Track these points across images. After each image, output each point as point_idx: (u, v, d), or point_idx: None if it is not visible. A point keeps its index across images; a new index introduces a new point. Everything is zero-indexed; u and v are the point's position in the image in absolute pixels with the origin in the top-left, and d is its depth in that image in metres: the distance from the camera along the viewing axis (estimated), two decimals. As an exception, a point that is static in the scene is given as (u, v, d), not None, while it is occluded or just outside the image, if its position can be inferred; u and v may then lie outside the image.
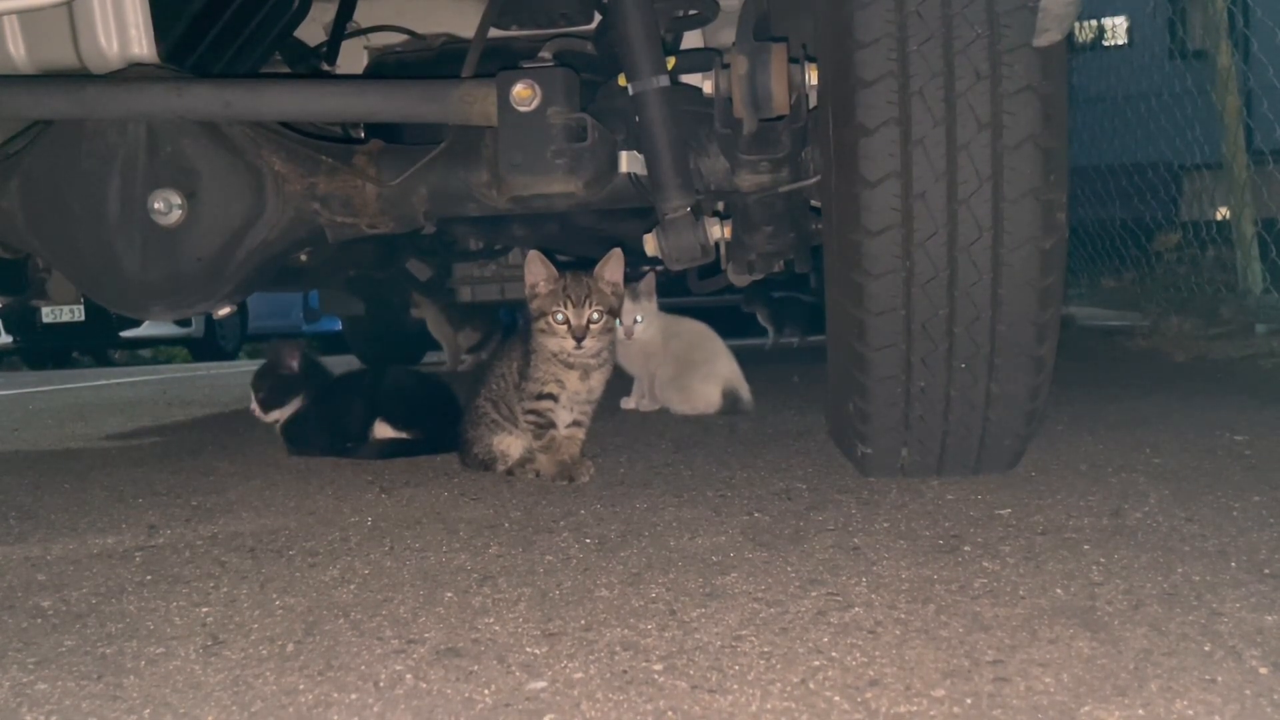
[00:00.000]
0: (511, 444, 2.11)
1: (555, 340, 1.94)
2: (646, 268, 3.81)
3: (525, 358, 2.03)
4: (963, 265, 1.59)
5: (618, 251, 1.97)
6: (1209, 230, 4.91)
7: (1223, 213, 4.90)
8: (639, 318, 2.94)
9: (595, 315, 1.92)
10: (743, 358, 3.09)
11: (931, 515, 1.59)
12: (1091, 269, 6.16)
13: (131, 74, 1.81)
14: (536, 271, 1.95)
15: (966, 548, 1.41)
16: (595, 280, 1.95)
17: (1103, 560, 1.32)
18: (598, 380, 2.02)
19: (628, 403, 3.15)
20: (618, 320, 2.04)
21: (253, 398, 2.49)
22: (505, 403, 2.09)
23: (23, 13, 1.77)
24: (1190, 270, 4.90)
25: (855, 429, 1.81)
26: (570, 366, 1.98)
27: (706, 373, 2.98)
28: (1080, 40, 7.53)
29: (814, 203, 2.10)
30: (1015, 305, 1.60)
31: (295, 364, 2.48)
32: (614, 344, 2.04)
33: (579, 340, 1.92)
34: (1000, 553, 1.38)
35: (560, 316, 1.92)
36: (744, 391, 2.97)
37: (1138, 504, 1.62)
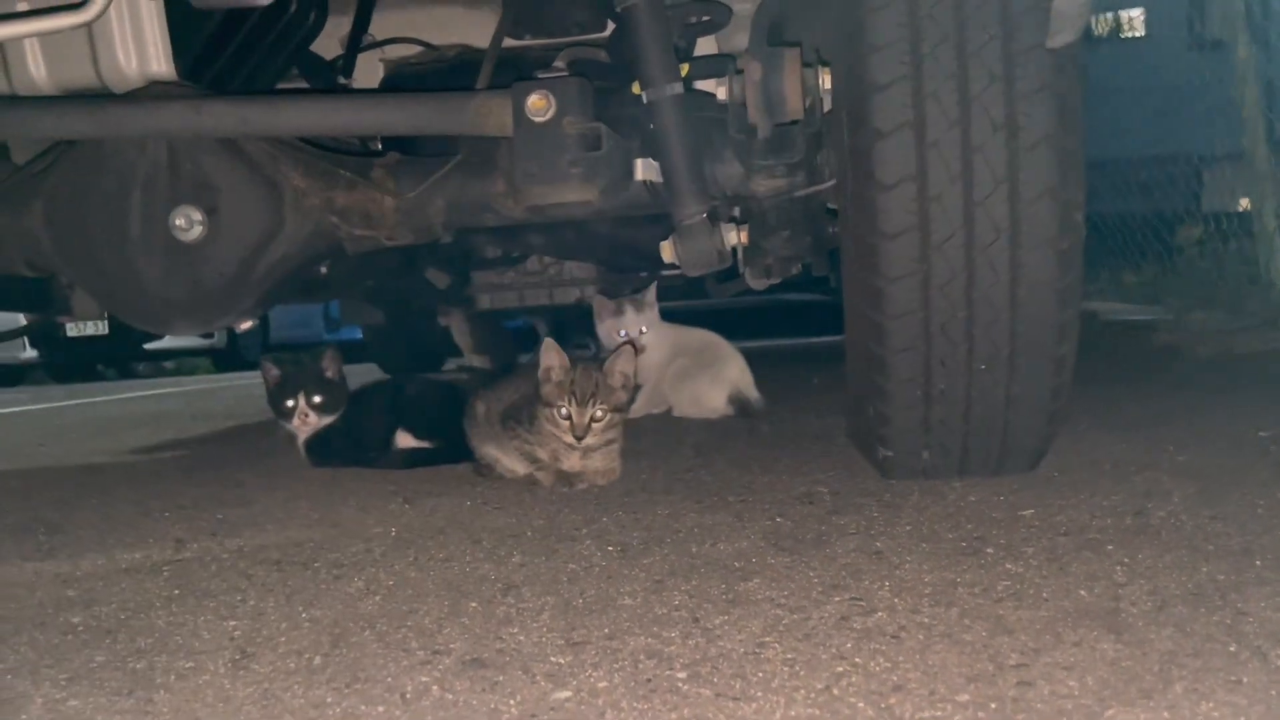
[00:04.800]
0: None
1: (558, 432, 1.98)
2: (644, 274, 3.83)
3: (532, 400, 2.04)
4: (980, 267, 1.59)
5: (628, 348, 2.02)
6: (1231, 223, 4.87)
7: (1245, 204, 4.85)
8: (644, 328, 2.98)
9: (599, 414, 1.96)
10: (762, 358, 3.09)
11: (954, 517, 1.59)
12: (1112, 263, 6.12)
13: (151, 92, 1.83)
14: (550, 359, 1.99)
15: (989, 550, 1.41)
16: (605, 376, 1.98)
17: (1126, 561, 1.32)
18: (599, 459, 2.04)
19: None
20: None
21: (301, 402, 2.43)
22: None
23: (44, 35, 1.79)
24: (1213, 264, 4.86)
25: (876, 432, 1.81)
26: (570, 448, 2.01)
27: (713, 376, 2.99)
28: (1097, 32, 7.49)
29: (830, 205, 2.10)
30: (1034, 306, 1.60)
31: (339, 368, 2.50)
32: (621, 431, 2.06)
33: (579, 438, 1.96)
34: (1023, 554, 1.37)
35: (564, 412, 1.96)
36: (752, 395, 2.97)
37: (1161, 503, 1.62)
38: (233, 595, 1.42)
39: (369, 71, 2.53)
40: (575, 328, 4.82)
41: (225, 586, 1.46)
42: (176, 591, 1.45)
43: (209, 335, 9.57)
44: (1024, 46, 1.52)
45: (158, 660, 1.16)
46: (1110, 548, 1.38)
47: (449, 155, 1.92)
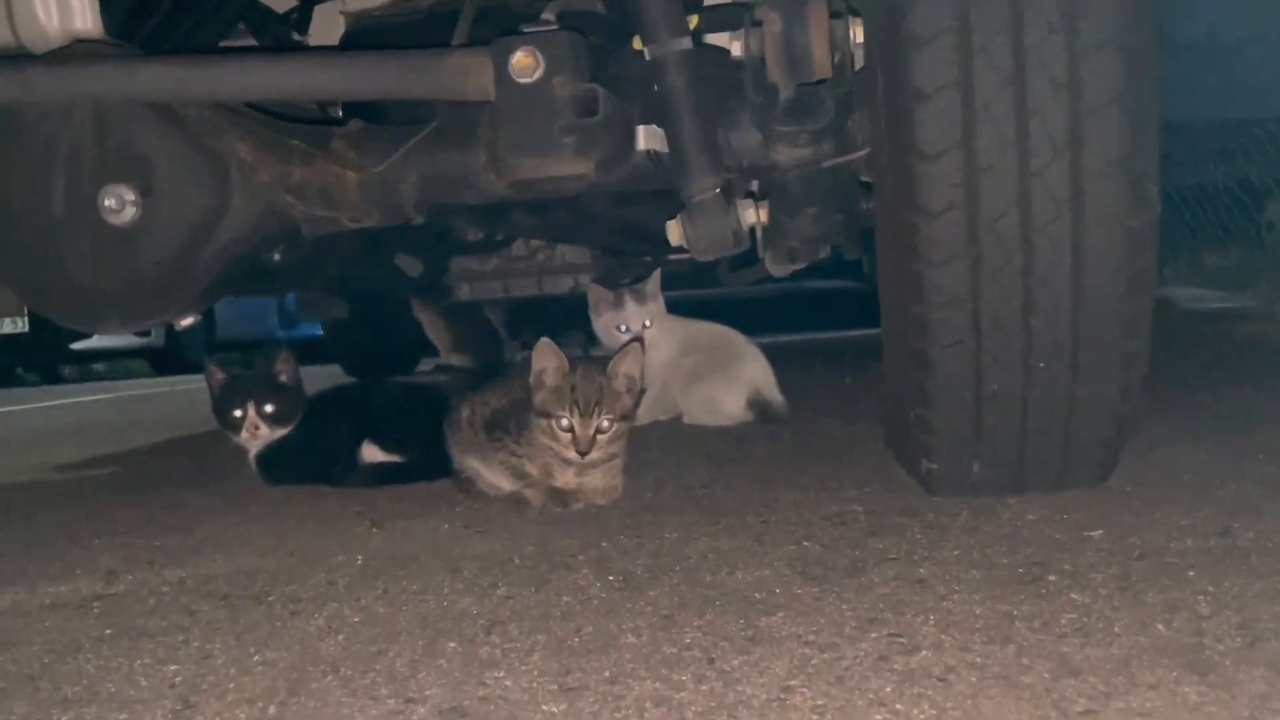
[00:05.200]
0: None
1: (556, 446, 1.96)
2: (648, 259, 3.83)
3: (521, 406, 2.04)
4: (1039, 248, 1.58)
5: (636, 346, 2.00)
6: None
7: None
8: (647, 322, 2.97)
9: (605, 424, 1.95)
10: (785, 355, 3.09)
11: (1009, 540, 1.59)
12: (1192, 243, 6.11)
13: (75, 52, 1.82)
14: (545, 359, 1.97)
15: (1051, 577, 1.40)
16: (610, 380, 1.97)
17: (1211, 589, 1.32)
18: (598, 475, 2.03)
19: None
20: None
21: (251, 412, 2.42)
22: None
23: (-50, -12, 1.79)
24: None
25: (918, 440, 1.80)
26: (567, 464, 2.00)
27: (729, 377, 2.98)
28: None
29: (864, 178, 2.10)
30: (1101, 294, 1.60)
31: (294, 371, 2.49)
32: (625, 443, 2.05)
33: (583, 453, 1.94)
34: (1091, 582, 1.37)
35: (565, 423, 1.94)
36: (774, 397, 2.97)
37: (1251, 521, 1.61)
38: (174, 635, 1.41)
39: (327, 27, 2.52)
40: (544, 320, 4.83)
41: (165, 625, 1.46)
42: (109, 631, 1.45)
43: (145, 333, 9.58)
44: (1088, -9, 1.52)
45: (87, 711, 1.16)
46: (1192, 574, 1.38)
47: (421, 123, 1.91)
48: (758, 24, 1.78)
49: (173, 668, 1.29)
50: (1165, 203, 1.65)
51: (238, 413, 2.43)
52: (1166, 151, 1.66)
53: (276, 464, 2.49)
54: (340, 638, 1.35)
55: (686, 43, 1.77)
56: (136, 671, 1.28)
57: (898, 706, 1.04)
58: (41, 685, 1.26)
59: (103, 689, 1.23)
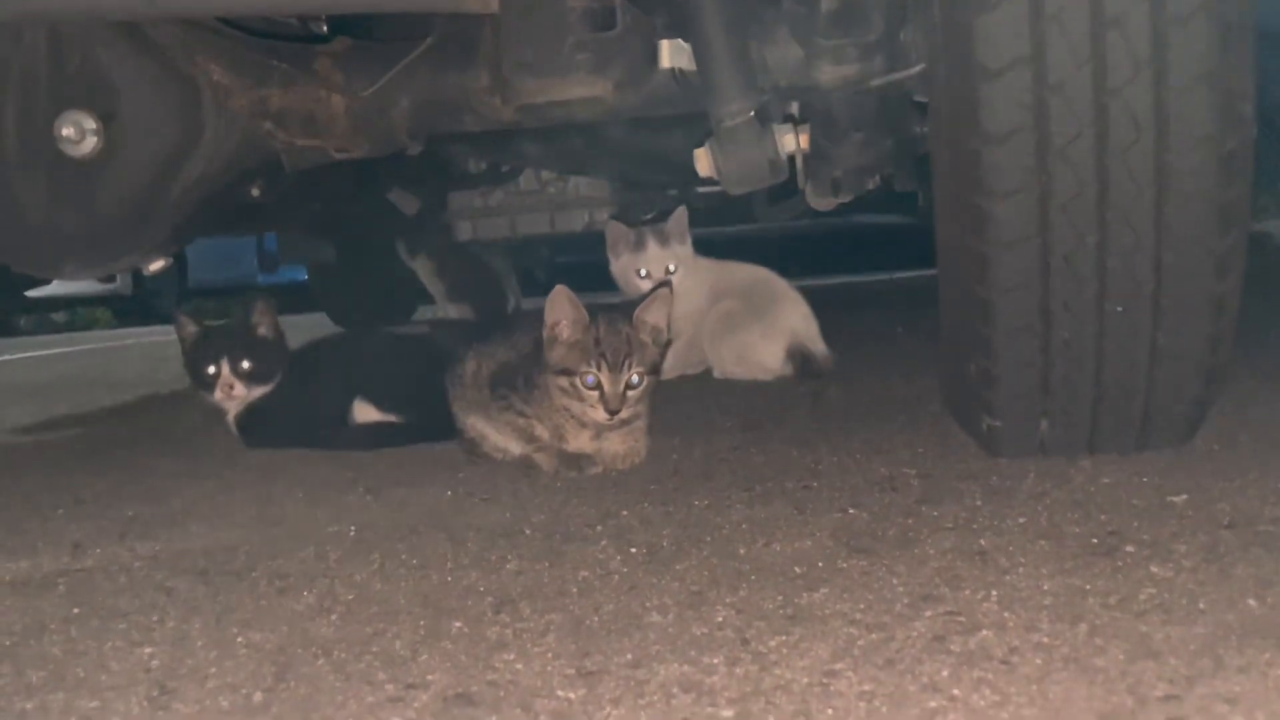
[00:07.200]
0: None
1: (579, 406, 1.96)
2: (673, 193, 3.81)
3: (530, 361, 2.05)
4: (1116, 177, 1.57)
5: (665, 292, 2.00)
6: None
7: None
8: (672, 266, 2.96)
9: (635, 378, 1.95)
10: (830, 301, 3.08)
11: (1082, 506, 1.59)
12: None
13: (25, -36, 1.82)
14: (561, 310, 1.96)
15: (1129, 548, 1.40)
16: (636, 329, 1.97)
17: (1309, 561, 1.32)
18: (616, 439, 2.05)
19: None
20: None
21: (225, 370, 2.44)
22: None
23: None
24: None
25: (979, 396, 1.80)
26: (584, 426, 2.01)
27: (766, 326, 2.98)
28: None
29: (918, 98, 2.09)
30: (1187, 228, 1.58)
31: (274, 322, 2.49)
32: (649, 402, 2.06)
33: (614, 412, 1.94)
34: (1173, 554, 1.37)
35: (591, 380, 1.93)
36: (817, 348, 2.97)
37: (1356, 485, 1.61)
38: (148, 614, 1.43)
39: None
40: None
41: (138, 604, 1.48)
42: (75, 610, 1.47)
43: (109, 279, 9.61)
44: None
45: (53, 699, 1.18)
46: (1287, 544, 1.38)
47: (416, 39, 1.91)
48: (796, -78, 1.77)
49: (147, 650, 1.30)
50: (1261, 125, 1.63)
51: (211, 369, 2.44)
52: (1263, 65, 1.64)
53: (258, 426, 2.50)
54: (332, 617, 1.37)
55: (716, -57, 1.75)
56: (107, 655, 1.29)
57: (955, 692, 1.04)
58: (2, 670, 1.27)
59: (70, 674, 1.24)
